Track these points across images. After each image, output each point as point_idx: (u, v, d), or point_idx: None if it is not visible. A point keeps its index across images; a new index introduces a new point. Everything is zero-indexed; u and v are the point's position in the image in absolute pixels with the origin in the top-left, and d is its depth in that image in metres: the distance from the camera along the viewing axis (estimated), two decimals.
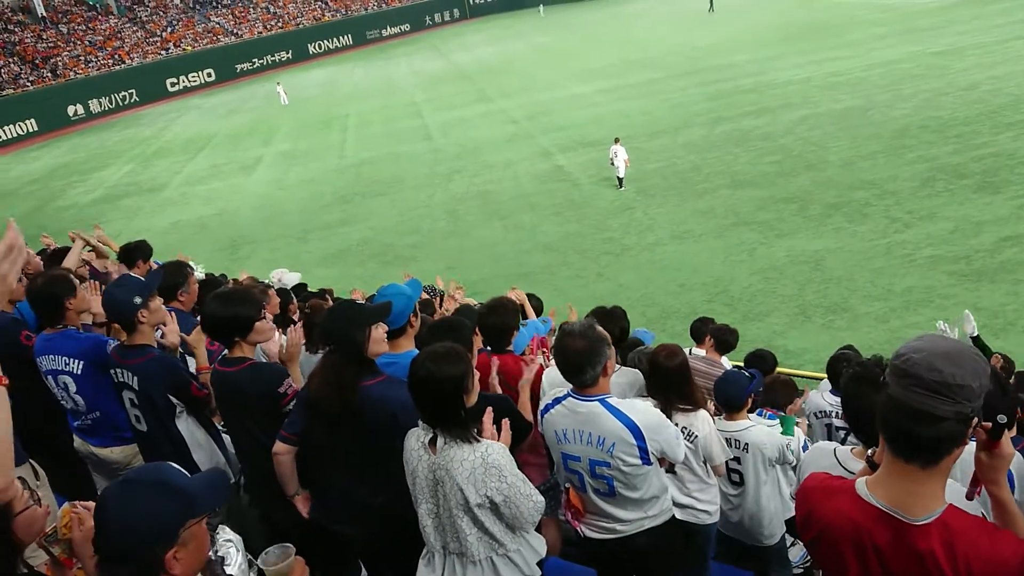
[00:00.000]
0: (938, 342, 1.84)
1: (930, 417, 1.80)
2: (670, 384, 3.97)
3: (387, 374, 3.32)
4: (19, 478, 2.61)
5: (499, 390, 3.90)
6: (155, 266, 6.12)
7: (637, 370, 4.36)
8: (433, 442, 2.91)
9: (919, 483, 1.88)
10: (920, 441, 1.85)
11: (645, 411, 3.27)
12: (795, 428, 4.54)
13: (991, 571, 1.79)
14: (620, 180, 18.29)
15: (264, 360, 4.53)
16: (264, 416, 3.60)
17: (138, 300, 3.86)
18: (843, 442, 5.13)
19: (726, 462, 4.35)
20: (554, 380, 3.84)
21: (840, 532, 1.98)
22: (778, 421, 4.54)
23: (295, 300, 7.36)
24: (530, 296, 7.40)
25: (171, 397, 3.91)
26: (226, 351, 3.76)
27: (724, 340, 6.24)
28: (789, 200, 15.63)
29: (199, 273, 9.04)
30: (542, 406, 3.48)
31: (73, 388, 4.20)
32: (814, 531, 2.06)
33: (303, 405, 3.41)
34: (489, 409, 2.99)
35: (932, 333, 1.92)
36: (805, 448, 4.47)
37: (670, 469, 3.70)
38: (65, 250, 6.78)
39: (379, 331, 3.33)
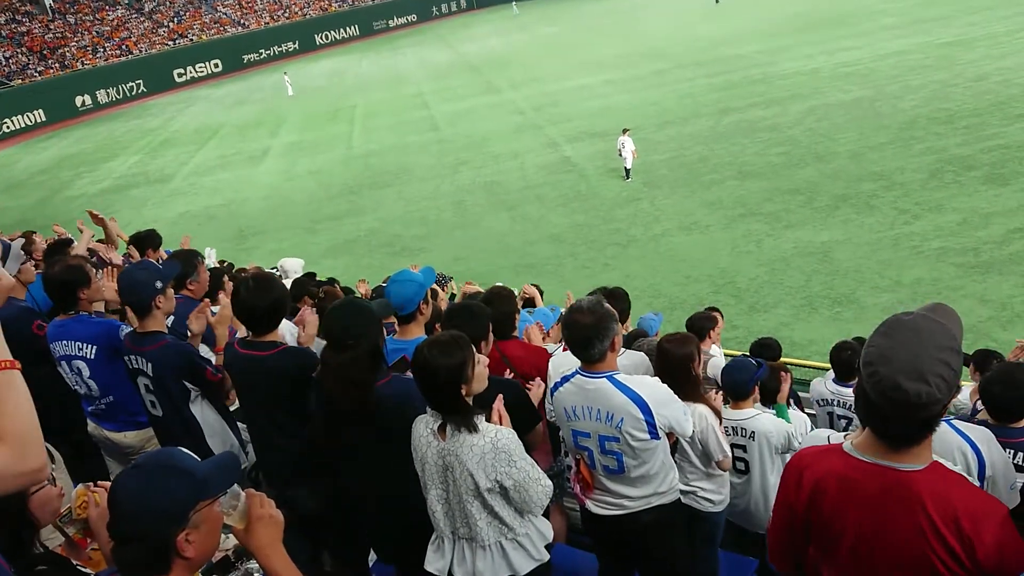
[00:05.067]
0: (903, 345, 1.82)
1: (901, 423, 1.86)
2: (671, 372, 3.96)
3: (392, 373, 3.32)
4: None
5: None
6: (164, 256, 6.15)
7: (643, 353, 4.38)
8: (443, 428, 2.93)
9: (903, 451, 1.93)
10: (896, 436, 1.91)
11: (653, 386, 3.32)
12: (789, 413, 4.55)
13: (976, 522, 1.83)
14: (627, 171, 18.27)
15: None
16: (291, 400, 3.58)
17: (159, 284, 3.90)
18: (844, 431, 5.16)
19: (732, 450, 4.37)
20: (559, 366, 3.86)
21: (832, 486, 2.03)
22: (773, 411, 4.56)
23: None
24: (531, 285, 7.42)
25: (186, 383, 3.93)
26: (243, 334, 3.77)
27: (697, 326, 5.98)
28: (796, 191, 15.60)
29: (211, 261, 9.10)
30: (551, 385, 3.51)
31: (87, 373, 4.24)
32: (808, 488, 2.09)
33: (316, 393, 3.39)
34: (500, 396, 3.01)
35: (896, 321, 1.89)
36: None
37: (673, 450, 3.71)
38: (67, 242, 6.83)
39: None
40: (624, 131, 18.37)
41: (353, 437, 3.27)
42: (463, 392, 2.90)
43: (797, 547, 2.19)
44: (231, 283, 5.56)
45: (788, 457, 4.44)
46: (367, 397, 3.13)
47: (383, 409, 3.18)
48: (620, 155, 18.30)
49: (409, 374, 3.34)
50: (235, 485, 2.12)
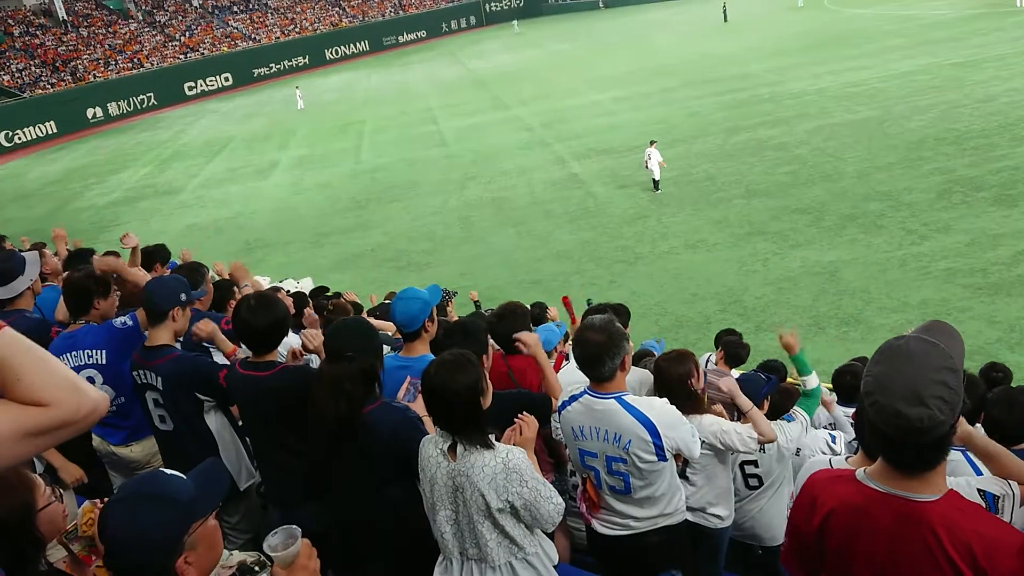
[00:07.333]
0: (898, 372, 1.81)
1: (911, 449, 1.84)
2: (670, 391, 3.95)
3: (382, 399, 3.29)
4: (40, 474, 2.66)
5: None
6: (169, 271, 6.18)
7: (647, 370, 4.38)
8: (452, 448, 2.91)
9: (918, 479, 1.91)
10: (906, 462, 1.89)
11: (661, 408, 3.31)
12: (798, 416, 4.49)
13: (991, 553, 1.80)
14: (656, 182, 18.28)
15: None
16: (294, 418, 3.55)
17: (183, 297, 3.95)
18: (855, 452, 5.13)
19: (742, 465, 4.34)
20: (568, 381, 3.85)
21: (845, 514, 2.01)
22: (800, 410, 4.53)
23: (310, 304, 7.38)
24: (536, 304, 7.41)
25: (199, 395, 3.92)
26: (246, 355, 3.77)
27: (734, 353, 6.17)
28: (804, 211, 15.58)
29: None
30: (558, 404, 3.50)
31: (99, 380, 4.22)
32: (821, 515, 2.06)
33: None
34: (516, 424, 2.98)
35: (889, 348, 1.89)
36: (834, 440, 4.49)
37: (682, 472, 3.69)
38: (87, 251, 6.92)
39: None
40: (651, 143, 18.43)
41: (338, 455, 3.25)
42: (482, 406, 2.89)
43: (809, 569, 2.18)
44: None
45: (799, 462, 4.45)
46: (353, 413, 3.09)
47: (369, 432, 3.14)
48: (646, 167, 18.30)
49: (402, 402, 3.35)
50: (294, 526, 2.09)
